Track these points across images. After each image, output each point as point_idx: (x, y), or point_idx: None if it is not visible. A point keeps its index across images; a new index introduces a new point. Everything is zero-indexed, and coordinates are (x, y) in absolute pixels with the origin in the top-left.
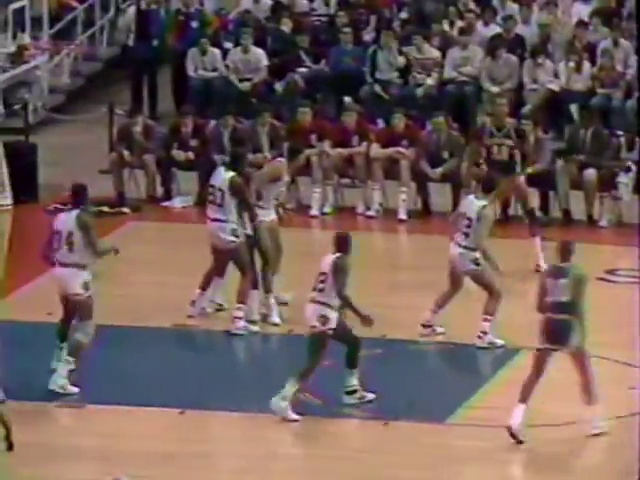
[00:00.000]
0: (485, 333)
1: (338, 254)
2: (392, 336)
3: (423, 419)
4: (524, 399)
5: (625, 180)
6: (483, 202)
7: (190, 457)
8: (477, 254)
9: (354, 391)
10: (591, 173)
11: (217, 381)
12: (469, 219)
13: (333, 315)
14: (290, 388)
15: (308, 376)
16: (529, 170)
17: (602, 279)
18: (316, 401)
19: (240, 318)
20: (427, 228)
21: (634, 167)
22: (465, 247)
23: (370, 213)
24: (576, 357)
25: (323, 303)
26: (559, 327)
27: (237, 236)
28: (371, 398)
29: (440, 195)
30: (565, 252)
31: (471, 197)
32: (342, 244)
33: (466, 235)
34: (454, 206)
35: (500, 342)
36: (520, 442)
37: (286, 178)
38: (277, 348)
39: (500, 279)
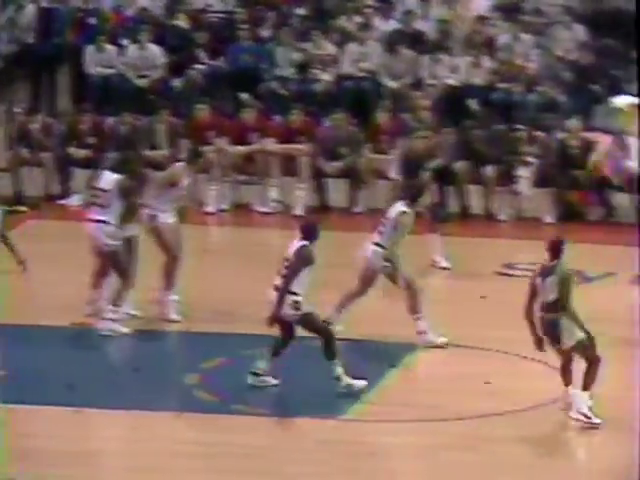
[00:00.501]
0: (424, 332)
1: (303, 242)
2: None
3: (321, 415)
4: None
5: (525, 174)
6: (403, 208)
7: (87, 455)
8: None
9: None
10: (490, 169)
11: (113, 380)
12: (387, 219)
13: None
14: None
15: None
16: (430, 165)
17: (501, 273)
18: (213, 398)
19: (110, 320)
20: (324, 224)
21: (534, 161)
22: (378, 245)
23: (266, 209)
24: (577, 353)
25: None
26: (550, 326)
27: (115, 239)
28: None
29: (338, 191)
30: (554, 250)
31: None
32: (308, 232)
33: (380, 234)
34: (351, 202)
35: (441, 340)
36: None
37: (186, 182)
38: (174, 346)
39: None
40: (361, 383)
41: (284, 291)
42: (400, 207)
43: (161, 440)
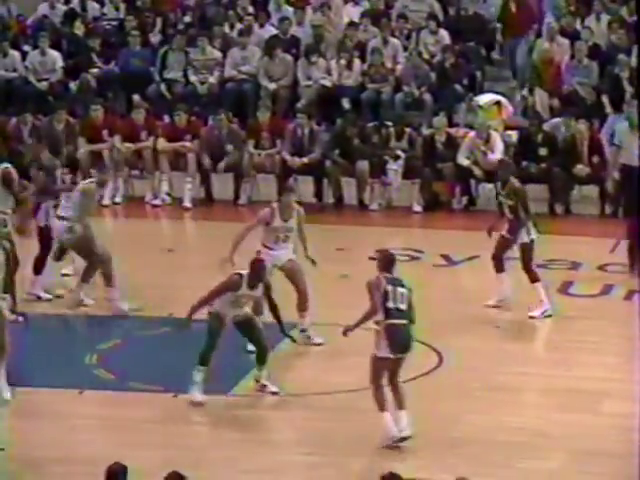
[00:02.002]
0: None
1: None
2: (178, 315)
3: (209, 391)
4: None
5: (394, 167)
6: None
7: None
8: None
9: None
10: (363, 163)
11: (21, 359)
12: None
13: None
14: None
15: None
16: (304, 160)
17: (372, 258)
18: (110, 376)
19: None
20: (210, 215)
21: (402, 155)
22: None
23: (157, 202)
24: None
25: None
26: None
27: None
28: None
29: (223, 184)
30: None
31: None
32: None
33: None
34: (236, 196)
35: None
36: None
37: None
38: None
39: None
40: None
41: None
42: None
43: (61, 415)
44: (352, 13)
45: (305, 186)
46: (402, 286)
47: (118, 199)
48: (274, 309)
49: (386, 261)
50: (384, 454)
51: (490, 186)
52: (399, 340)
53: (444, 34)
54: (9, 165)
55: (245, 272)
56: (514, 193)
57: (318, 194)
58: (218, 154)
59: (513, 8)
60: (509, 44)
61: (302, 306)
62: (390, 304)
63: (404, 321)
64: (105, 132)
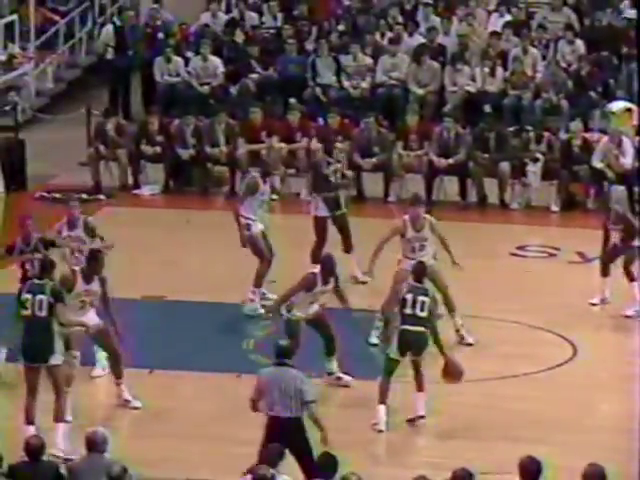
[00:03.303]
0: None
1: None
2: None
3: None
4: None
5: (533, 169)
6: None
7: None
8: None
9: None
10: (504, 164)
11: (184, 345)
12: None
13: None
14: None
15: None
16: (450, 161)
17: (514, 254)
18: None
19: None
20: (361, 212)
21: (541, 157)
22: None
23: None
24: None
25: None
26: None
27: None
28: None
29: (374, 183)
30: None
31: None
32: None
33: None
34: (385, 194)
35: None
36: None
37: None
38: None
39: None
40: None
41: None
42: None
43: (224, 397)
44: (495, 23)
45: (450, 185)
46: (425, 295)
47: (273, 196)
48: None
49: (418, 272)
50: (529, 440)
51: (622, 187)
52: (409, 344)
53: (580, 44)
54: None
55: (317, 270)
56: None
57: (462, 193)
58: (368, 155)
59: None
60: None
61: (450, 305)
62: (407, 310)
63: (420, 328)
64: (263, 133)
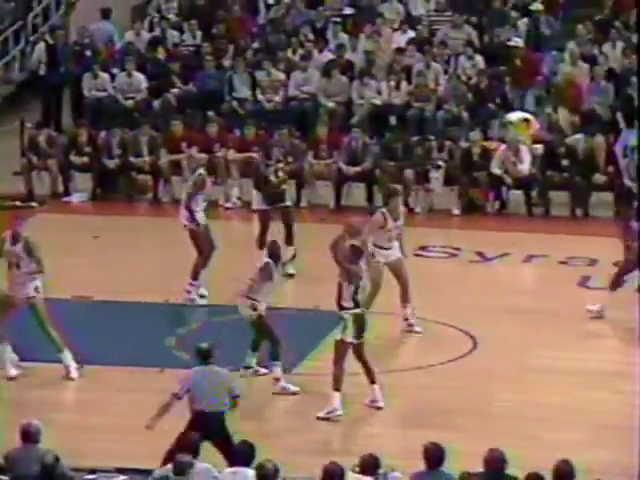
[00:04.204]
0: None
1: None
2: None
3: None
4: None
5: (436, 175)
6: None
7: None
8: None
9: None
10: (409, 171)
11: (110, 342)
12: None
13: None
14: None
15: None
16: (358, 169)
17: (417, 255)
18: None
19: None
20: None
21: (443, 165)
22: None
23: (229, 205)
24: None
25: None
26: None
27: None
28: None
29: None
30: None
31: None
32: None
33: None
34: (298, 199)
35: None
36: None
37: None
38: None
39: None
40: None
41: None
42: None
43: (146, 391)
44: (399, 40)
45: (358, 192)
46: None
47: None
48: None
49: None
50: (433, 427)
51: (518, 192)
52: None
53: (479, 59)
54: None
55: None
56: None
57: (369, 198)
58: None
59: (518, 62)
60: (517, 94)
61: (405, 296)
62: (359, 297)
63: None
64: (184, 144)
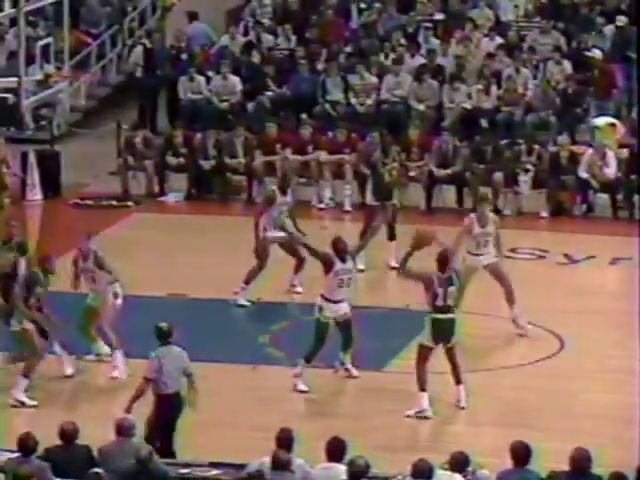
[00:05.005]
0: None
1: None
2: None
3: (364, 367)
4: None
5: (525, 178)
6: None
7: None
8: None
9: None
10: (498, 174)
11: (206, 339)
12: None
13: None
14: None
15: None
16: (448, 171)
17: (507, 257)
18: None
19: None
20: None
21: (532, 168)
22: None
23: (322, 205)
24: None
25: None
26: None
27: None
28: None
29: None
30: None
31: None
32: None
33: None
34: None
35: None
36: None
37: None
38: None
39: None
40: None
41: None
42: None
43: (241, 386)
44: (489, 46)
45: (449, 194)
46: (452, 285)
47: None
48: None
49: (441, 261)
50: (520, 426)
51: (605, 196)
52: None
53: (567, 64)
54: None
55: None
56: None
57: (459, 200)
58: (374, 165)
59: (596, 73)
60: (597, 105)
61: (510, 297)
62: (439, 302)
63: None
64: (278, 146)
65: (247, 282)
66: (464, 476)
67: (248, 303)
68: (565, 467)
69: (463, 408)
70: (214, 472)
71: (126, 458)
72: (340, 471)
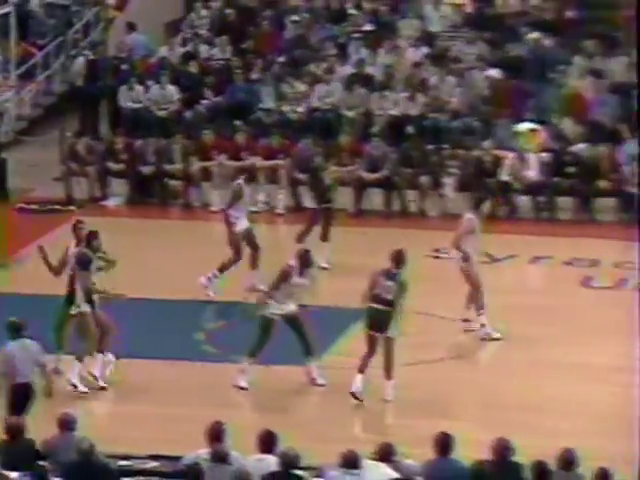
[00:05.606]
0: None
1: None
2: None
3: (295, 363)
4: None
5: (449, 182)
6: None
7: None
8: None
9: None
10: (425, 178)
11: (143, 336)
12: None
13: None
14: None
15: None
16: (377, 175)
17: (429, 256)
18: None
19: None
20: (299, 220)
21: (456, 172)
22: None
23: (255, 209)
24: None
25: None
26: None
27: None
28: None
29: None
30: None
31: None
32: None
33: None
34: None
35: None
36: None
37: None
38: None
39: None
40: None
41: None
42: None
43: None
44: (416, 55)
45: (376, 197)
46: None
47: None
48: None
49: (395, 258)
50: (443, 417)
51: (526, 198)
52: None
53: (492, 72)
54: None
55: (293, 262)
56: None
57: (387, 203)
58: (305, 170)
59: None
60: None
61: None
62: (376, 291)
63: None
64: (214, 152)
65: (221, 270)
66: (391, 465)
67: (213, 294)
68: (486, 456)
69: (387, 401)
70: (153, 464)
71: (69, 451)
72: (272, 462)
